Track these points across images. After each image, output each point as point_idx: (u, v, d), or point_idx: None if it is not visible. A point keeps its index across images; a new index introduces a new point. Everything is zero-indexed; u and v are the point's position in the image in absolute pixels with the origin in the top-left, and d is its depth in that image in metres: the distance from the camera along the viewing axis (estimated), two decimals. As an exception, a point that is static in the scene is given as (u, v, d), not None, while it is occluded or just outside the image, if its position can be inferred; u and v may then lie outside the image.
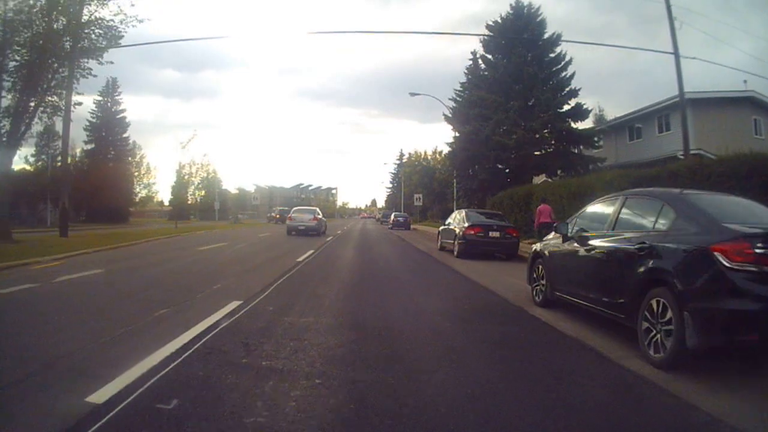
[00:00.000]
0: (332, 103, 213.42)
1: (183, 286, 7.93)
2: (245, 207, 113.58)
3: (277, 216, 59.48)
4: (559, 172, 28.48)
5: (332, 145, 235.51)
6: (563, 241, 6.55)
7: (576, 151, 27.53)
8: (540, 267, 7.18)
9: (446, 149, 44.05)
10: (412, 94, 32.86)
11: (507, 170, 28.64)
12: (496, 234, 14.32)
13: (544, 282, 7.00)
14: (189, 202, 79.01)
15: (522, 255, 14.73)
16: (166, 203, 79.41)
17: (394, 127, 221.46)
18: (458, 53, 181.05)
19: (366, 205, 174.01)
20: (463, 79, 35.33)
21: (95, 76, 19.16)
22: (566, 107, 27.00)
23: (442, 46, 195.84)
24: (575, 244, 6.20)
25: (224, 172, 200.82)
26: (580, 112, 26.95)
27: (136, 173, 63.37)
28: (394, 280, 9.58)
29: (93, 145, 53.78)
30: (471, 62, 34.79)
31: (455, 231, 15.14)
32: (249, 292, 7.34)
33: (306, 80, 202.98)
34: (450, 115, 30.99)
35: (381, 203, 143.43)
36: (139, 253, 14.24)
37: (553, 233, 7.32)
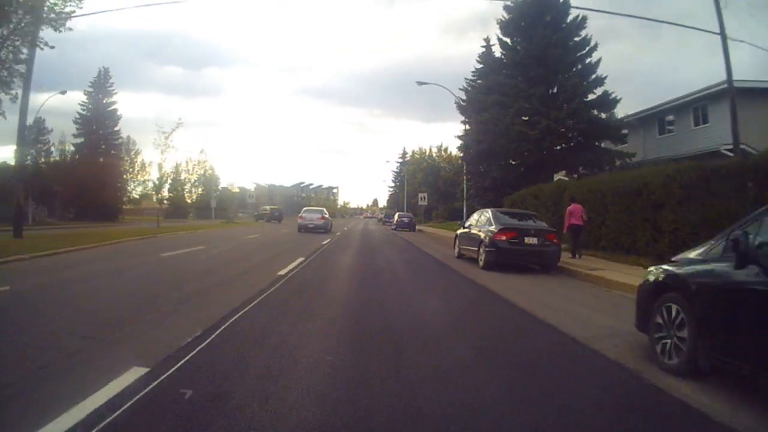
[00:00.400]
0: (335, 102, 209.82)
1: (79, 326, 4.87)
2: (246, 206, 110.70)
3: (269, 214, 56.61)
4: (580, 169, 25.49)
5: (334, 144, 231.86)
6: (738, 267, 3.48)
7: (601, 145, 24.47)
8: (674, 308, 4.11)
9: (453, 147, 41.11)
10: (419, 83, 29.82)
11: (522, 168, 25.58)
12: (534, 240, 11.20)
13: (685, 334, 3.94)
14: (187, 200, 76.37)
15: (562, 267, 11.67)
16: (165, 201, 76.38)
17: (397, 127, 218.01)
18: (460, 53, 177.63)
19: (367, 205, 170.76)
20: (472, 73, 32.34)
21: (52, 47, 16.09)
22: (591, 96, 23.94)
23: (443, 46, 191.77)
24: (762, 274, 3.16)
25: (223, 170, 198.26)
26: (607, 102, 23.84)
27: (130, 169, 60.37)
28: (412, 315, 6.35)
29: (82, 139, 50.69)
30: (484, 49, 31.71)
31: (479, 236, 12.04)
32: (173, 343, 4.27)
33: (308, 79, 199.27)
34: (463, 103, 27.88)
35: (383, 203, 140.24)
36: (86, 259, 11.23)
37: (701, 249, 4.23)
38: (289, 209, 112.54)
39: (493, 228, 11.46)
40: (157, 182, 32.77)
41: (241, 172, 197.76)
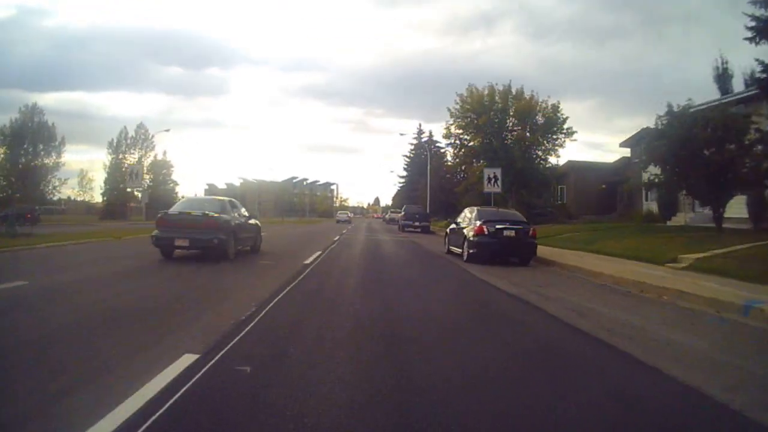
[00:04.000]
0: (336, 102, 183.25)
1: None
2: (246, 203, 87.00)
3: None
4: None
5: (334, 142, 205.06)
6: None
7: None
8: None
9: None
10: None
11: None
12: None
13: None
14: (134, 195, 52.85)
15: None
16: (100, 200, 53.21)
17: (399, 126, 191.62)
18: (463, 51, 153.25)
19: (368, 204, 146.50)
20: None
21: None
22: None
23: (447, 44, 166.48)
24: None
25: (214, 168, 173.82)
26: None
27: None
28: None
29: None
30: None
31: None
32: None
33: (310, 78, 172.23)
34: None
35: (385, 201, 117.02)
36: None
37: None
38: (279, 208, 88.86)
39: None
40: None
41: (235, 169, 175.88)
